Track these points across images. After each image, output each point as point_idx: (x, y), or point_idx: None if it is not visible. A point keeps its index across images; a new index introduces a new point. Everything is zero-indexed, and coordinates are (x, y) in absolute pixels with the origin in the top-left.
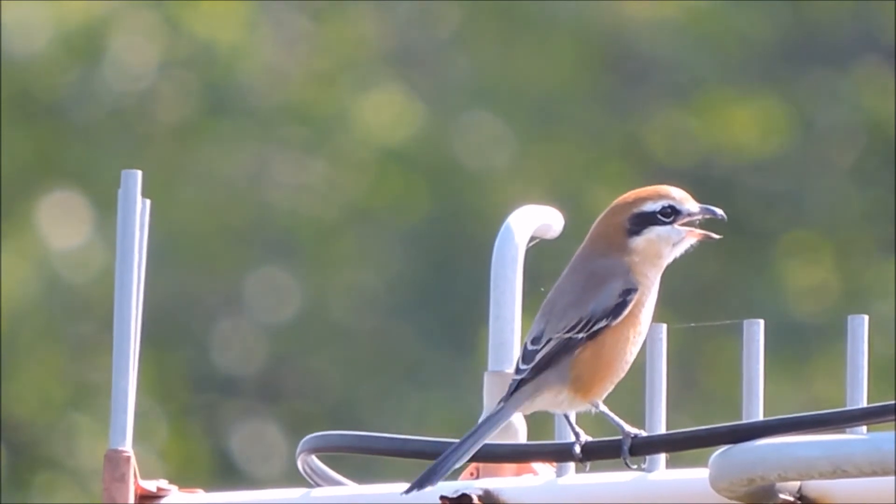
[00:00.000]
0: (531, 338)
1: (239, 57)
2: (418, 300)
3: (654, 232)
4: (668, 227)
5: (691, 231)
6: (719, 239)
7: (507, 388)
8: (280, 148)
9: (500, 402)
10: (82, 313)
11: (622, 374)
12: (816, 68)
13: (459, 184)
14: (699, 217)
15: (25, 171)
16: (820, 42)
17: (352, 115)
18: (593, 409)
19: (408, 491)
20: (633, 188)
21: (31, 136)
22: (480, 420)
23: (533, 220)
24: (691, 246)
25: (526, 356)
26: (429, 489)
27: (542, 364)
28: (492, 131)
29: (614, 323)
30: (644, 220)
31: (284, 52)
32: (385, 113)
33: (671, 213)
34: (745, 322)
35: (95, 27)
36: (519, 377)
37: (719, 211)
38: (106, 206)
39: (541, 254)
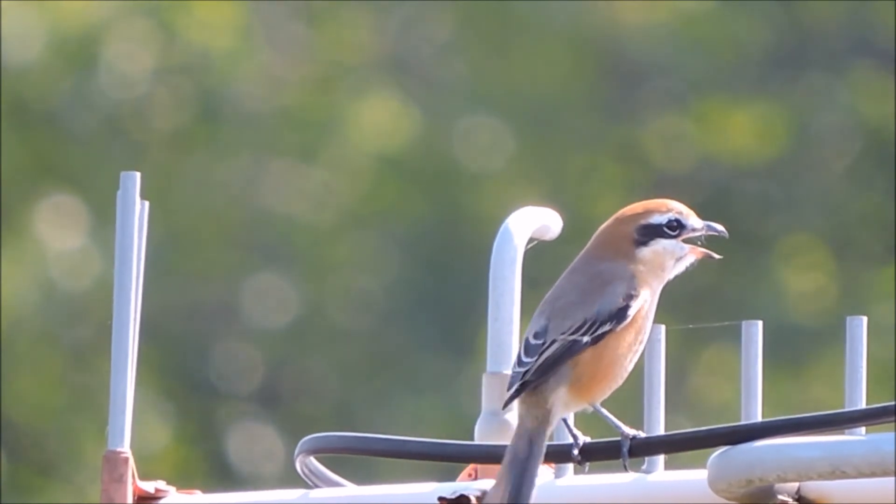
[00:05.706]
0: (532, 332)
1: (234, 63)
2: (416, 304)
3: (661, 244)
4: (673, 241)
5: (693, 249)
6: (720, 259)
7: (506, 389)
8: (276, 154)
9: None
10: (79, 318)
11: (620, 382)
12: (812, 72)
13: (456, 189)
14: (701, 233)
15: (22, 178)
16: (815, 46)
17: (348, 121)
18: (589, 409)
19: None
20: (630, 193)
21: (28, 143)
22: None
23: (531, 222)
24: (691, 264)
25: (529, 349)
26: None
27: (546, 366)
28: (488, 136)
29: (618, 328)
30: (651, 232)
31: (280, 58)
32: (381, 118)
33: (677, 227)
34: (744, 323)
35: (91, 34)
36: (522, 369)
37: (721, 227)
38: (103, 213)
39: (539, 256)
